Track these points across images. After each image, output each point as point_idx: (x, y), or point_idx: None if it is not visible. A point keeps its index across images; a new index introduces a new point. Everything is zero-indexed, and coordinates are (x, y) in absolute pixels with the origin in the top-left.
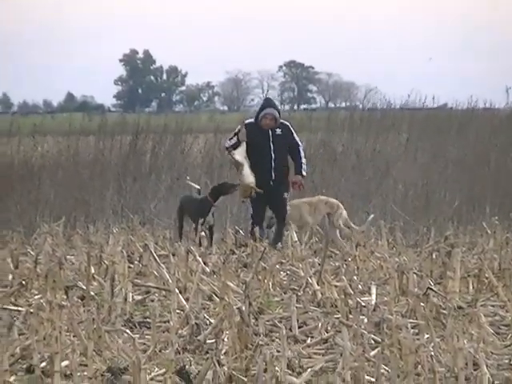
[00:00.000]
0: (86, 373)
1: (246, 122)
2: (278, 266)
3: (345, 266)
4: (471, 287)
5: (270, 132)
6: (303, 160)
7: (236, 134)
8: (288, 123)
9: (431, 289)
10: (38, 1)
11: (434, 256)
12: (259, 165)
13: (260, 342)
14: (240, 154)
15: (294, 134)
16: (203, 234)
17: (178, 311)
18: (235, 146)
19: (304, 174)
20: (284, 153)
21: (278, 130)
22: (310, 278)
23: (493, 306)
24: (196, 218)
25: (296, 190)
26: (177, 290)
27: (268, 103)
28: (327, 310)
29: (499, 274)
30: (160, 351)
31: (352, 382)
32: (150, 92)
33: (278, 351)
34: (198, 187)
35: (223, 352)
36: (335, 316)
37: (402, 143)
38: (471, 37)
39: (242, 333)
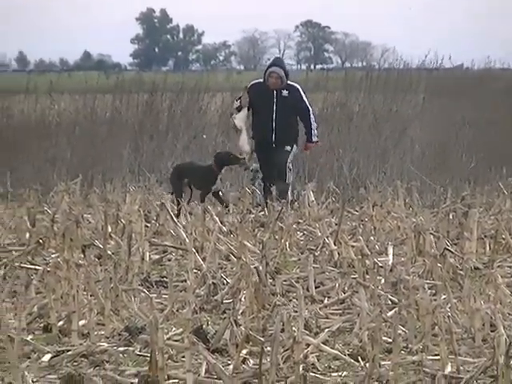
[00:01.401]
0: (103, 332)
1: (254, 81)
2: (294, 226)
3: (361, 226)
4: (488, 248)
5: (275, 92)
6: (313, 125)
7: (240, 98)
8: (298, 86)
9: (448, 249)
10: None
11: (450, 216)
12: (260, 124)
13: (277, 302)
14: (240, 119)
15: (304, 98)
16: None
17: (195, 271)
18: (239, 109)
19: (314, 139)
20: (289, 115)
21: (285, 92)
22: (327, 238)
23: (510, 266)
24: (203, 187)
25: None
26: (194, 250)
27: (274, 62)
28: (344, 270)
29: None
30: (177, 311)
31: (369, 342)
32: (167, 51)
33: (295, 311)
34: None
35: (240, 312)
36: (352, 276)
37: (419, 103)
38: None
39: (259, 293)
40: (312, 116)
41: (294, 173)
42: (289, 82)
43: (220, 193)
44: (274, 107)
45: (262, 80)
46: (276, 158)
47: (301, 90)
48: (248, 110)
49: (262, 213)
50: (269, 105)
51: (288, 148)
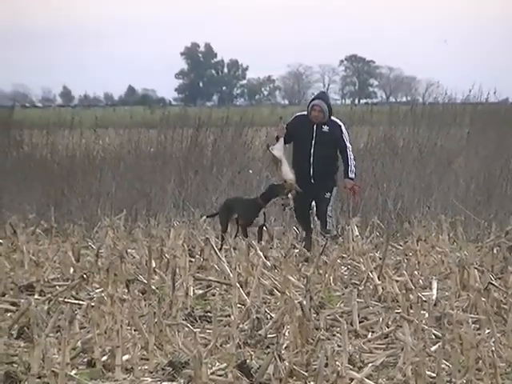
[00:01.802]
0: (146, 367)
1: (298, 113)
2: (339, 261)
3: (406, 260)
4: None
5: (315, 127)
6: (350, 162)
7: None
8: (341, 123)
9: (492, 284)
10: None
11: (495, 251)
12: (298, 159)
13: (321, 337)
14: (278, 150)
15: (345, 135)
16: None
17: (239, 305)
18: (277, 139)
19: (352, 176)
20: (328, 151)
21: (325, 127)
22: (371, 272)
23: None
24: (244, 219)
25: (351, 196)
26: (238, 284)
27: (318, 95)
28: (388, 304)
29: None
30: (221, 345)
31: (413, 376)
32: (211, 86)
33: (339, 346)
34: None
35: (284, 346)
36: (396, 311)
37: (464, 137)
38: None
39: (303, 327)
40: (350, 153)
41: (338, 208)
42: (332, 117)
43: (264, 227)
44: (313, 141)
45: (305, 113)
46: (317, 205)
47: (343, 126)
48: (285, 141)
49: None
50: (308, 139)
51: (328, 195)
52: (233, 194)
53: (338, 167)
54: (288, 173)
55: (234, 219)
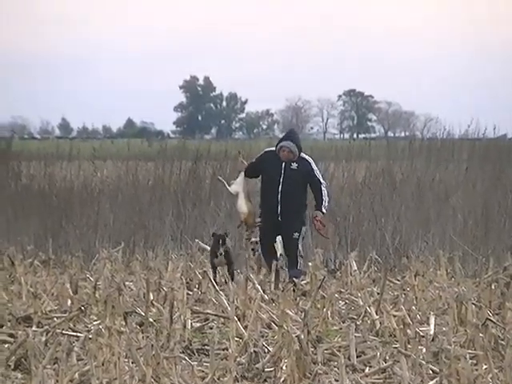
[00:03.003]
0: None
1: (268, 149)
2: (336, 295)
3: (404, 295)
4: None
5: (284, 165)
6: (325, 197)
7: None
8: (310, 159)
9: (490, 319)
10: (100, 26)
11: (492, 286)
12: (266, 196)
13: (318, 371)
14: (238, 184)
15: (316, 172)
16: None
17: (236, 339)
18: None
19: (324, 210)
20: (296, 188)
21: (294, 165)
22: (369, 307)
23: None
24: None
25: (318, 229)
26: (235, 318)
27: (288, 136)
28: (386, 339)
29: None
30: (218, 379)
31: None
32: (210, 119)
33: (337, 380)
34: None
35: (281, 380)
36: (394, 345)
37: (462, 172)
38: None
39: (301, 361)
40: (324, 189)
41: (336, 243)
42: (302, 154)
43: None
44: (281, 179)
45: (274, 149)
46: (285, 245)
47: (312, 163)
48: (246, 173)
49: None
50: (276, 176)
51: (296, 235)
52: (231, 227)
53: (306, 205)
54: (242, 206)
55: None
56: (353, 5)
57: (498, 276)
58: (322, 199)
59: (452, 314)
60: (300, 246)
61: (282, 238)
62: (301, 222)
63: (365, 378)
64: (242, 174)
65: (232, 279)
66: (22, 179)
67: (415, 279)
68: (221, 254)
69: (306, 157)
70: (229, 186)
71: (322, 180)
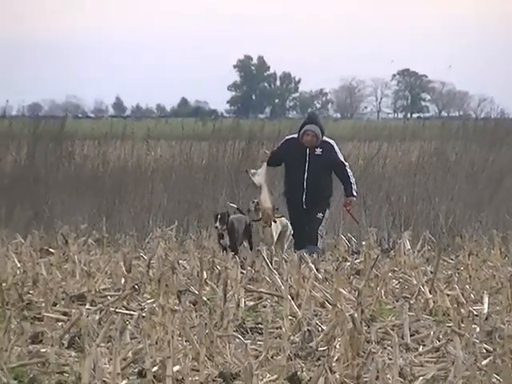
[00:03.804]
0: (197, 378)
1: (288, 137)
2: (390, 274)
3: (457, 274)
4: None
5: (308, 151)
6: (352, 180)
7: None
8: (332, 142)
9: None
10: (153, 7)
11: None
12: (291, 184)
13: (372, 350)
14: (261, 176)
15: (339, 154)
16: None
17: (290, 317)
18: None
19: (355, 194)
20: (321, 174)
21: (318, 150)
22: (423, 286)
23: None
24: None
25: (346, 213)
26: (289, 296)
27: (310, 119)
28: (439, 318)
29: None
30: (272, 357)
31: None
32: (264, 98)
33: (390, 359)
34: (235, 206)
35: (335, 359)
36: (447, 324)
37: None
38: None
39: (354, 340)
40: (349, 171)
41: (389, 222)
42: (324, 138)
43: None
44: (306, 166)
45: (296, 136)
46: (307, 224)
47: (335, 145)
48: (269, 162)
49: None
50: (301, 163)
51: (320, 215)
52: (282, 206)
53: (333, 191)
54: (266, 200)
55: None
56: None
57: None
58: (350, 182)
59: (506, 294)
60: (322, 226)
61: (306, 220)
62: (326, 204)
63: (418, 357)
64: (265, 164)
65: (251, 248)
66: (75, 159)
67: (469, 258)
68: (217, 229)
69: (328, 139)
70: (252, 176)
71: (345, 162)
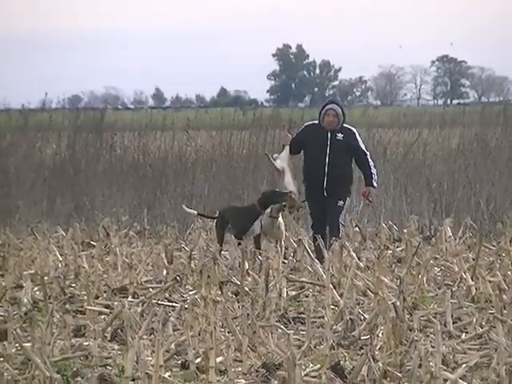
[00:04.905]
0: (240, 369)
1: (308, 123)
2: (431, 261)
3: (499, 261)
4: None
5: (329, 135)
6: (373, 170)
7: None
8: (354, 130)
9: None
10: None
11: None
12: (312, 168)
13: (415, 338)
14: (283, 159)
15: (360, 142)
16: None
17: (332, 307)
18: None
19: (375, 185)
20: (343, 159)
21: (340, 135)
22: (464, 273)
23: None
24: (239, 228)
25: (366, 202)
26: (331, 286)
27: (331, 100)
28: (481, 305)
29: None
30: (315, 347)
31: (507, 377)
32: (303, 87)
33: (433, 347)
34: (195, 212)
35: (378, 347)
36: (490, 311)
37: None
38: None
39: (397, 328)
40: (370, 160)
41: (431, 209)
42: (345, 124)
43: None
44: (328, 151)
45: (316, 122)
46: (328, 212)
47: (357, 133)
48: (290, 150)
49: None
50: (322, 148)
51: (341, 203)
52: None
53: (353, 178)
54: (290, 184)
55: (228, 229)
56: None
57: None
58: (371, 172)
59: None
60: (343, 215)
61: (327, 208)
62: (347, 192)
63: (461, 344)
64: (287, 148)
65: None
66: (116, 150)
67: (510, 245)
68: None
69: (350, 127)
70: (274, 160)
71: (366, 151)
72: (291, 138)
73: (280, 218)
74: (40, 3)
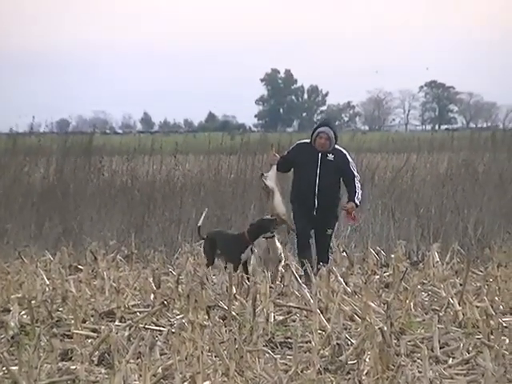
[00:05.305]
0: None
1: (300, 141)
2: (419, 287)
3: (486, 286)
4: None
5: (320, 155)
6: (358, 190)
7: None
8: (345, 151)
9: None
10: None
11: None
12: (302, 188)
13: (402, 363)
14: (271, 179)
15: (351, 164)
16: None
17: (319, 331)
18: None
19: (357, 202)
20: (332, 181)
21: (330, 156)
22: (452, 298)
23: None
24: (232, 257)
25: (349, 222)
26: (318, 311)
27: (325, 123)
28: (469, 330)
29: None
30: (302, 371)
31: None
32: (291, 112)
33: (420, 372)
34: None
35: (365, 372)
36: (477, 336)
37: None
38: None
39: (384, 353)
40: (357, 182)
41: (418, 234)
42: (336, 146)
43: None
44: (318, 171)
45: (308, 141)
46: (318, 239)
47: (348, 155)
48: (278, 168)
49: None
50: (312, 167)
51: (329, 232)
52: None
53: (340, 199)
54: (279, 205)
55: (218, 254)
56: None
57: None
58: (356, 191)
59: None
60: (331, 242)
61: (315, 233)
62: (335, 218)
63: (448, 370)
64: (275, 167)
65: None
66: (104, 174)
67: (498, 270)
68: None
69: (341, 148)
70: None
71: (356, 173)
72: (280, 157)
73: (278, 243)
74: (34, 22)
